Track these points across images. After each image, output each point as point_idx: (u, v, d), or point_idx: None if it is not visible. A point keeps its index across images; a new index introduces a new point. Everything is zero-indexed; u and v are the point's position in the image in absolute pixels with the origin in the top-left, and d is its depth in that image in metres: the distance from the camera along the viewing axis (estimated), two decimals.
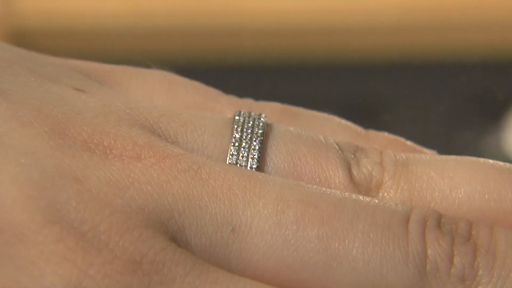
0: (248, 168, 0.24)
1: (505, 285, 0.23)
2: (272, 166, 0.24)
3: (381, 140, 0.26)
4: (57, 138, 0.22)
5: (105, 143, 0.22)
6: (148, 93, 0.26)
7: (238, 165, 0.24)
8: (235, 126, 0.24)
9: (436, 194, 0.24)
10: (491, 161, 0.25)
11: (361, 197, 0.23)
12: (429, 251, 0.23)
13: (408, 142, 0.26)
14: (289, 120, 0.26)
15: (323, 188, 0.23)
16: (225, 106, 0.26)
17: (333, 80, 0.74)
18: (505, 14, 0.68)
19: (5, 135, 0.22)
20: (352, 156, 0.24)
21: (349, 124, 0.27)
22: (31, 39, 0.65)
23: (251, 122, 0.24)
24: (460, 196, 0.24)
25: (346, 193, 0.23)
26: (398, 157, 0.25)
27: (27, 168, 0.21)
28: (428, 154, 0.25)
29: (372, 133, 0.27)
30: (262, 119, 0.24)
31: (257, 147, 0.24)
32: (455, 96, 0.71)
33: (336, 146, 0.24)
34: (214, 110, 0.26)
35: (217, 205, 0.22)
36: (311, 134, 0.24)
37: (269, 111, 0.26)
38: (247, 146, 0.24)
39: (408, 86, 0.73)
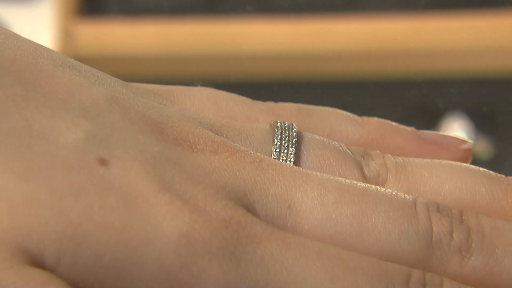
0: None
1: (491, 257, 0.27)
2: (304, 166, 0.28)
3: (373, 124, 0.31)
4: (157, 135, 0.26)
5: (190, 140, 0.27)
6: (200, 107, 0.30)
7: None
8: (276, 135, 0.29)
9: (428, 188, 0.29)
10: (465, 164, 0.30)
11: (378, 188, 0.28)
12: (434, 228, 0.27)
13: (393, 123, 0.31)
14: (305, 116, 0.31)
15: (351, 180, 0.28)
16: (258, 113, 0.30)
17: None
18: None
19: (122, 129, 0.26)
20: (362, 159, 0.29)
21: (349, 114, 0.31)
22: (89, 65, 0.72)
23: (287, 132, 0.28)
24: (445, 190, 0.29)
25: (367, 184, 0.28)
26: (397, 160, 0.29)
27: (142, 152, 0.25)
28: (419, 158, 0.30)
29: (366, 118, 0.31)
30: (295, 129, 0.29)
31: (293, 152, 0.28)
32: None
33: (350, 152, 0.29)
34: (250, 117, 0.30)
35: (276, 188, 0.27)
36: (332, 142, 0.29)
37: (289, 110, 0.31)
38: (285, 151, 0.28)
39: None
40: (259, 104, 0.31)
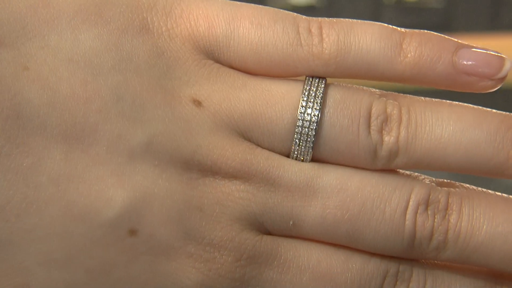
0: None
1: (463, 254, 0.29)
2: (320, 160, 0.29)
3: (409, 60, 0.29)
4: (184, 173, 0.28)
5: (213, 170, 0.28)
6: (243, 61, 0.29)
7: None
8: (296, 135, 0.29)
9: (433, 161, 0.29)
10: (473, 125, 0.29)
11: (379, 193, 0.29)
12: (417, 234, 0.29)
13: (432, 49, 0.29)
14: (344, 58, 0.29)
15: (354, 185, 0.29)
16: (297, 62, 0.29)
17: None
18: None
19: (153, 183, 0.27)
20: (379, 135, 0.29)
21: (387, 47, 0.29)
22: None
23: (307, 129, 0.29)
24: (449, 163, 0.29)
25: (368, 190, 0.29)
26: (410, 131, 0.29)
27: (169, 210, 0.27)
28: (432, 122, 0.29)
29: (404, 51, 0.29)
30: (314, 126, 0.28)
31: (309, 152, 0.29)
32: None
33: (365, 134, 0.29)
34: (289, 66, 0.29)
35: (283, 208, 0.29)
36: (350, 127, 0.29)
37: (328, 52, 0.29)
38: (302, 150, 0.29)
39: None
40: (300, 48, 0.29)
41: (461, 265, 0.30)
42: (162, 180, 0.27)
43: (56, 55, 0.27)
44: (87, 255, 0.26)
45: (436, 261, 0.30)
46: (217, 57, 0.29)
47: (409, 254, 0.29)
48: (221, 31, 0.29)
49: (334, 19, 0.30)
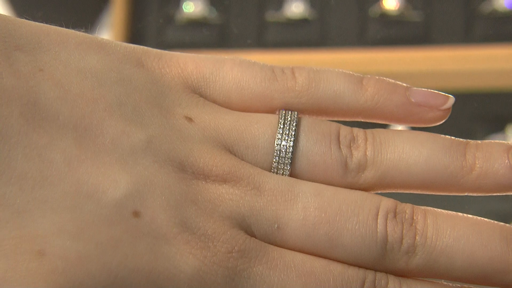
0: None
1: (430, 256, 0.30)
2: (298, 172, 0.31)
3: (370, 92, 0.32)
4: (179, 173, 0.29)
5: (204, 172, 0.30)
6: (227, 94, 0.32)
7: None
8: (275, 151, 0.31)
9: (398, 173, 0.31)
10: (431, 144, 0.31)
11: (351, 200, 0.30)
12: (389, 238, 0.30)
13: (388, 85, 0.32)
14: (315, 90, 0.32)
15: (330, 193, 0.30)
16: (274, 92, 0.32)
17: None
18: None
19: (152, 176, 0.28)
20: (348, 150, 0.31)
21: (351, 81, 0.32)
22: None
23: (284, 150, 0.31)
24: (412, 174, 0.31)
25: (342, 197, 0.30)
26: (375, 146, 0.31)
27: (168, 198, 0.28)
28: (395, 139, 0.31)
29: (365, 85, 0.33)
30: (292, 142, 0.31)
31: (288, 164, 0.31)
32: None
33: (336, 149, 0.31)
34: (266, 97, 0.32)
35: (269, 212, 0.30)
36: (323, 143, 0.31)
37: (301, 84, 0.32)
38: (282, 164, 0.31)
39: None
40: (276, 82, 0.32)
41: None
42: (161, 174, 0.29)
43: (67, 66, 0.29)
44: (96, 230, 0.27)
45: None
46: (204, 92, 0.32)
47: (382, 261, 0.31)
48: (208, 70, 0.32)
49: (302, 66, 0.33)
